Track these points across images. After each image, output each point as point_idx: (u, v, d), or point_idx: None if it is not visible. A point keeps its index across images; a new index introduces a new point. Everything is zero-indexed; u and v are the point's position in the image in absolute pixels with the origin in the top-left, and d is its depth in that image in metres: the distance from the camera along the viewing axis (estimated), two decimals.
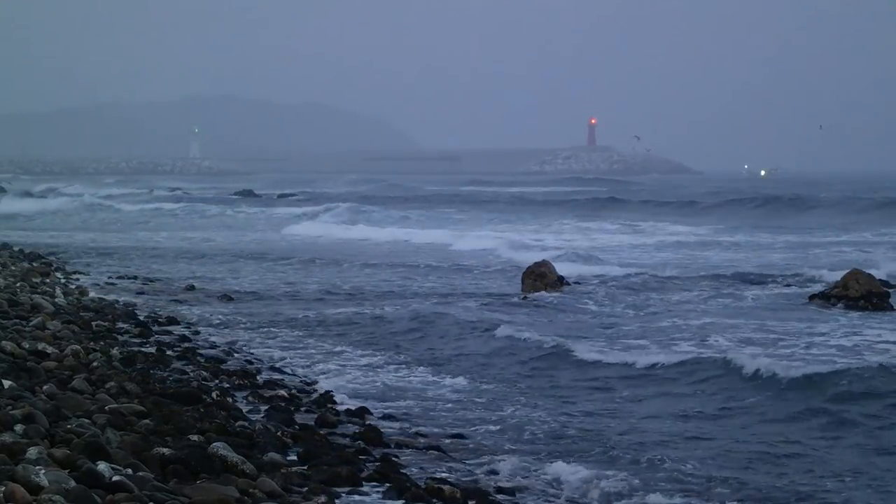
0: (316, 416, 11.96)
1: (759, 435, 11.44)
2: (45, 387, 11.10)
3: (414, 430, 11.67)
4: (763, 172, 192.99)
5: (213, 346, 16.53)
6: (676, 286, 24.07)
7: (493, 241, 35.96)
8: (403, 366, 15.27)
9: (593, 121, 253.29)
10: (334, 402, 12.80)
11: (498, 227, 48.34)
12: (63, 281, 23.34)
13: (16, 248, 29.91)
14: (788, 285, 24.11)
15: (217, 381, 13.48)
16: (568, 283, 23.66)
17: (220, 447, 9.26)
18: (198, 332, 17.73)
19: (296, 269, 28.24)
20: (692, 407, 12.79)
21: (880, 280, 22.01)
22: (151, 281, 24.75)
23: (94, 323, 17.08)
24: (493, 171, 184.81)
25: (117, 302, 20.53)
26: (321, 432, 11.19)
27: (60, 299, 19.24)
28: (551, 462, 10.36)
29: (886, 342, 16.54)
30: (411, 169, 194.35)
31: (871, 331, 17.69)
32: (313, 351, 16.36)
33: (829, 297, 20.90)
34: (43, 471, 7.60)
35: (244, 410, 11.94)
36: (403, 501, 8.94)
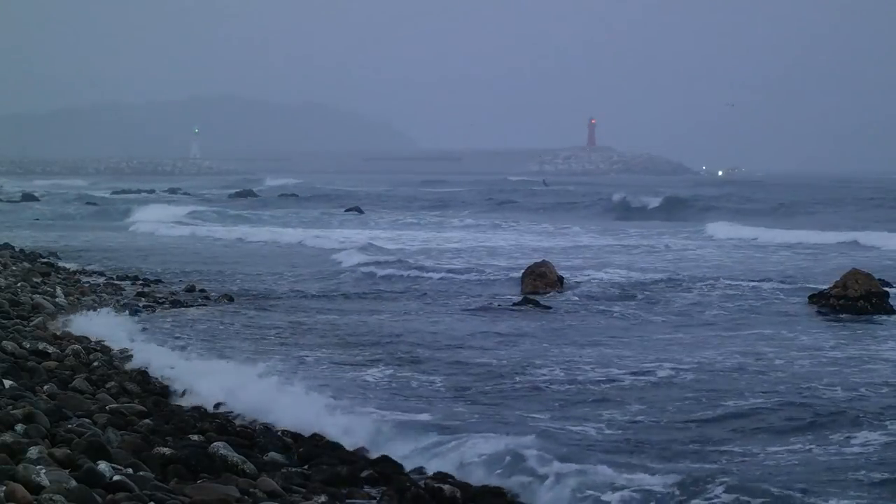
0: None
1: None
2: (45, 386, 11.13)
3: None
4: (721, 173, 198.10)
5: (213, 345, 16.53)
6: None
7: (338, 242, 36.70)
8: (395, 366, 15.25)
9: (593, 121, 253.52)
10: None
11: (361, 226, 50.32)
12: (63, 281, 23.34)
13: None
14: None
15: None
16: (566, 284, 23.77)
17: (220, 447, 9.29)
18: (198, 331, 17.74)
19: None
20: None
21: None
22: (153, 282, 24.77)
23: None
24: (493, 171, 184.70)
25: (117, 302, 20.55)
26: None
27: (61, 299, 19.26)
28: (552, 463, 10.37)
29: None
30: (411, 169, 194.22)
31: None
32: (311, 352, 16.36)
33: (829, 298, 20.88)
34: (44, 470, 7.63)
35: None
36: (403, 501, 8.95)
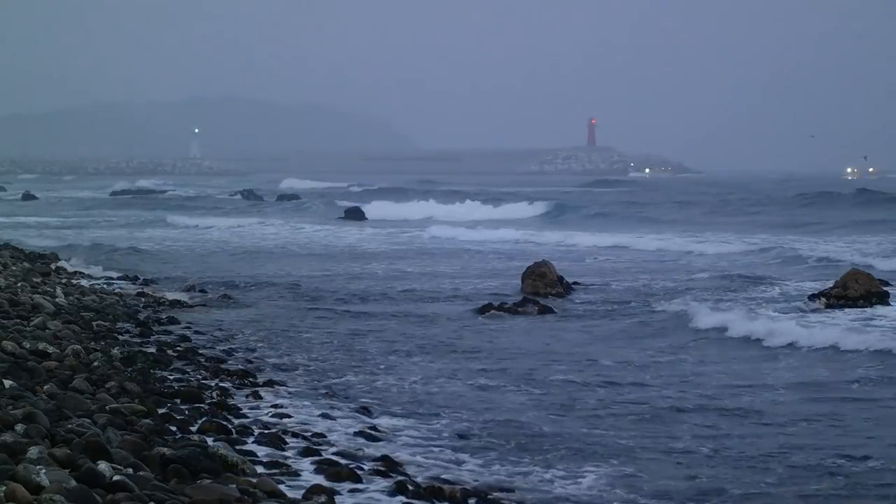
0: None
1: None
2: (45, 386, 11.11)
3: (415, 427, 11.68)
4: (647, 170, 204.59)
5: (214, 345, 16.52)
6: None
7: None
8: (397, 363, 15.25)
9: (593, 121, 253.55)
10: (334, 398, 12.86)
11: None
12: (64, 281, 23.32)
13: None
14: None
15: (217, 381, 13.50)
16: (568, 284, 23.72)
17: (220, 447, 9.29)
18: (198, 332, 17.72)
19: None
20: None
21: None
22: (151, 281, 24.76)
23: (94, 323, 17.10)
24: (492, 171, 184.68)
25: (118, 302, 20.55)
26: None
27: (61, 299, 19.25)
28: (551, 461, 10.38)
29: None
30: (409, 169, 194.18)
31: None
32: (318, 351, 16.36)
33: (829, 298, 20.81)
34: (44, 470, 7.61)
35: (244, 410, 11.95)
36: (403, 500, 8.95)
